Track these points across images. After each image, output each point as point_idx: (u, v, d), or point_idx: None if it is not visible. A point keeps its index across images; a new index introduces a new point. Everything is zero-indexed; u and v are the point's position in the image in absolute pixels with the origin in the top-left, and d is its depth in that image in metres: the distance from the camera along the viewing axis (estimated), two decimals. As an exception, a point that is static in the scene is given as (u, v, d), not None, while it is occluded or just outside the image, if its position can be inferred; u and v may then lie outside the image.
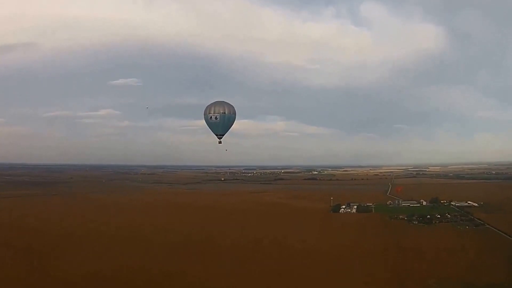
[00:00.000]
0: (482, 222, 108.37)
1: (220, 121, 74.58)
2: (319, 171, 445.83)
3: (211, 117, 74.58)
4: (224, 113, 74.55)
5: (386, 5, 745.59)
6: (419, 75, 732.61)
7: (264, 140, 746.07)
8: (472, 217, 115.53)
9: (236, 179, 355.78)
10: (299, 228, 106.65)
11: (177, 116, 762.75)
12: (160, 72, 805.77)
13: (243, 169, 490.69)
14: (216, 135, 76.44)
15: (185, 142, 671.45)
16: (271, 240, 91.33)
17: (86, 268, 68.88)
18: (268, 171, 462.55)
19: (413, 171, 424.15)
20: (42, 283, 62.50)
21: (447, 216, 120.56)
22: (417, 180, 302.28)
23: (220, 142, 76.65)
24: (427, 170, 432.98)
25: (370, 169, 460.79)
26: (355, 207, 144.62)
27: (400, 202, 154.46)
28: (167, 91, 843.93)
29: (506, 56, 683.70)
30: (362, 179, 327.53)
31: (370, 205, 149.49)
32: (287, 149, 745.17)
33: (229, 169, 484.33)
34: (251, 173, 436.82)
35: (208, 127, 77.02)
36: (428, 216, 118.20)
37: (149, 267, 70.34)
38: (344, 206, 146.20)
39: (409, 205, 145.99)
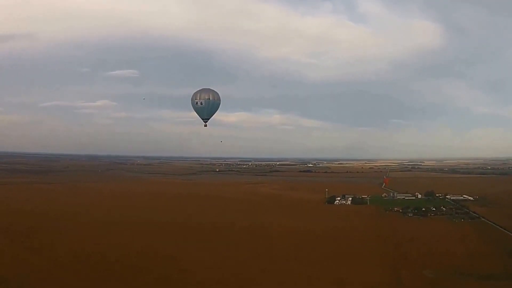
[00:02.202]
0: (477, 216, 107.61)
1: (205, 106, 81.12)
2: (314, 164, 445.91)
3: (197, 102, 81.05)
4: (209, 99, 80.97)
5: (383, 0, 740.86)
6: (415, 70, 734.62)
7: (259, 133, 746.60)
8: (468, 211, 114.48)
9: (231, 171, 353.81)
10: (294, 218, 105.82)
11: (173, 108, 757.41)
12: (157, 64, 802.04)
13: (238, 161, 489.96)
14: (202, 119, 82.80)
15: (181, 133, 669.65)
16: (267, 229, 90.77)
17: (79, 249, 68.63)
18: (263, 163, 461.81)
19: (408, 165, 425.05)
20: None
21: (442, 209, 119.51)
22: (412, 174, 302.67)
23: (205, 125, 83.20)
24: (422, 164, 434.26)
25: (366, 163, 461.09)
26: (350, 199, 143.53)
27: (395, 194, 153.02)
28: (163, 82, 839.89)
29: (503, 52, 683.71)
30: (357, 172, 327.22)
31: (365, 197, 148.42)
32: (282, 141, 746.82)
33: (225, 161, 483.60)
34: (246, 164, 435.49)
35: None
36: (423, 209, 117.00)
37: (146, 250, 69.67)
38: (339, 198, 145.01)
39: (404, 198, 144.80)
